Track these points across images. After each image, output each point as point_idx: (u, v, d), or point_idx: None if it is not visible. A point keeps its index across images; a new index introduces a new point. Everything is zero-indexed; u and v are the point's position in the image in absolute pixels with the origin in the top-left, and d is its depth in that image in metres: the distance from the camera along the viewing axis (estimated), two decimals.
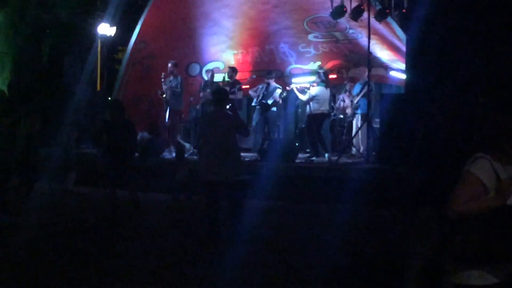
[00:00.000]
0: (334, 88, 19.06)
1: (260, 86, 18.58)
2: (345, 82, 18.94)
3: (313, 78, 18.26)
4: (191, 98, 19.87)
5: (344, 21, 19.08)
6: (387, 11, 17.37)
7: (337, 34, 20.81)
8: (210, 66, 21.59)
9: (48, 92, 23.74)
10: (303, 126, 18.86)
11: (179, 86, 18.54)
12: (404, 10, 17.12)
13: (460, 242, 4.83)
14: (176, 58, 19.65)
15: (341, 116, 18.55)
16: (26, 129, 13.39)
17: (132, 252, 10.05)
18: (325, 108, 17.28)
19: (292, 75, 21.32)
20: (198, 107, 19.52)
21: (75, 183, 16.85)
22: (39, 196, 14.65)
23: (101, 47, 26.85)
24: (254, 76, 21.16)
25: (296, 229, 12.13)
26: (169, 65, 18.63)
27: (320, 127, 17.44)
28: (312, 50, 21.43)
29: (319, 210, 13.83)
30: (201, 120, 12.46)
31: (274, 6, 20.82)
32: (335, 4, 17.37)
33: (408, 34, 16.06)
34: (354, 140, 17.97)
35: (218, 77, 20.05)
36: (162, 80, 18.67)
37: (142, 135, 18.15)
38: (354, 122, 18.23)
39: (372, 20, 16.93)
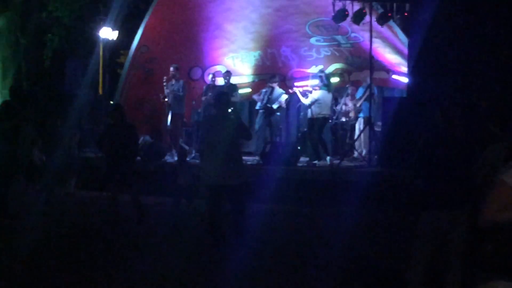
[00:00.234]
0: (336, 91, 19.06)
1: (264, 90, 18.55)
2: (347, 85, 18.94)
3: (315, 81, 18.24)
4: (193, 102, 19.86)
5: (346, 25, 19.09)
6: (389, 14, 17.37)
7: (339, 37, 20.83)
8: (212, 70, 21.57)
9: (50, 96, 23.77)
10: (305, 129, 18.84)
11: (181, 90, 18.52)
12: (406, 14, 17.13)
13: (490, 252, 4.79)
14: (178, 62, 19.63)
15: (343, 120, 18.55)
16: (28, 132, 13.40)
17: (134, 256, 10.04)
18: (326, 112, 17.24)
19: (294, 79, 21.30)
20: (200, 110, 19.51)
21: (77, 187, 16.86)
22: (39, 199, 14.67)
23: (103, 51, 26.91)
24: (256, 80, 21.18)
25: (299, 233, 12.13)
26: (171, 69, 18.60)
27: (321, 131, 17.41)
28: (314, 53, 21.43)
29: (321, 214, 13.83)
30: (203, 124, 12.43)
31: (276, 10, 20.82)
32: (337, 8, 17.36)
33: (410, 37, 16.08)
34: (356, 144, 17.97)
35: (220, 81, 20.05)
36: (164, 84, 18.64)
37: (144, 139, 18.14)
38: (356, 125, 18.24)
39: (374, 23, 16.94)
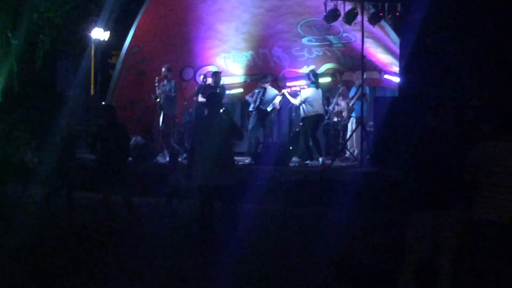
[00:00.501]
0: (328, 91, 19.05)
1: (257, 91, 18.53)
2: (339, 85, 18.94)
3: (303, 81, 18.28)
4: (185, 103, 19.85)
5: (337, 25, 19.09)
6: (381, 14, 17.36)
7: (331, 37, 20.83)
8: (204, 70, 21.54)
9: (42, 97, 23.72)
10: (297, 129, 18.84)
11: (173, 91, 18.50)
12: (397, 14, 17.12)
13: None
14: (170, 62, 19.61)
15: (335, 120, 18.55)
16: (21, 134, 13.37)
17: (127, 256, 10.04)
18: (319, 109, 17.13)
19: (286, 79, 21.30)
20: (191, 111, 19.50)
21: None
22: (32, 201, 14.64)
23: (95, 52, 26.87)
24: (248, 80, 21.17)
25: (290, 232, 12.13)
26: (163, 69, 18.59)
27: (315, 129, 17.36)
28: (306, 53, 21.43)
29: (313, 214, 13.82)
30: (195, 124, 12.42)
31: (268, 10, 20.80)
32: (328, 8, 17.35)
33: (402, 37, 16.08)
34: (348, 143, 17.97)
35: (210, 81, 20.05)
36: (156, 84, 18.63)
37: (135, 139, 18.10)
38: (349, 125, 18.24)
39: (366, 23, 16.94)
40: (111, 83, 22.15)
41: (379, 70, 19.94)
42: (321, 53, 21.28)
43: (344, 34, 20.36)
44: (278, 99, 18.27)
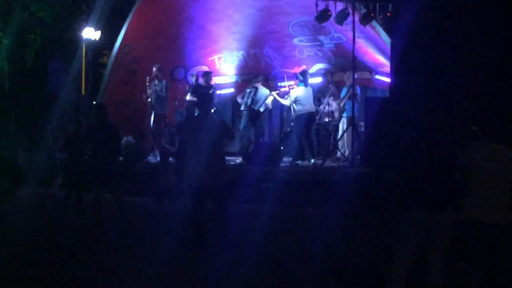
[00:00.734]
0: (319, 92, 19.05)
1: (248, 90, 18.53)
2: (330, 85, 18.94)
3: (291, 82, 18.32)
4: (176, 102, 19.85)
5: (329, 25, 19.08)
6: (372, 15, 17.38)
7: (322, 38, 20.83)
8: (195, 70, 21.53)
9: (33, 96, 23.69)
10: (288, 129, 18.85)
11: (164, 90, 18.50)
12: (389, 14, 17.14)
13: None
14: (161, 62, 19.60)
15: (327, 120, 18.57)
16: (13, 133, 13.37)
17: (117, 256, 10.03)
18: (309, 107, 17.09)
19: (277, 79, 21.30)
20: (182, 110, 19.51)
21: (60, 188, 16.79)
22: (22, 200, 14.62)
23: (86, 51, 26.81)
24: (239, 80, 21.17)
25: (281, 233, 12.15)
26: (154, 69, 18.58)
27: (309, 128, 17.34)
28: (297, 53, 21.45)
29: (304, 214, 13.85)
30: (186, 124, 12.40)
31: (259, 10, 20.79)
32: (320, 8, 17.34)
33: (393, 38, 16.09)
34: (340, 144, 17.98)
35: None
36: (147, 84, 18.62)
37: (126, 139, 18.08)
38: (340, 125, 18.25)
39: (357, 24, 16.95)
40: (102, 82, 22.13)
41: (370, 70, 19.96)
42: (312, 53, 21.30)
43: (335, 34, 20.37)
44: (270, 99, 18.28)
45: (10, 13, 23.56)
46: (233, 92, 21.44)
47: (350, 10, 16.92)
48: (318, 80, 19.85)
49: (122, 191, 13.14)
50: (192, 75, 20.47)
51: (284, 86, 19.57)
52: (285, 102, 17.61)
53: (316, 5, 17.32)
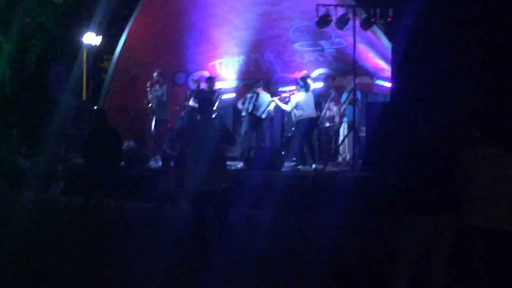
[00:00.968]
0: (320, 96, 19.05)
1: (249, 96, 18.52)
2: (331, 90, 18.93)
3: (292, 87, 18.34)
4: (177, 107, 19.87)
5: (329, 30, 19.06)
6: (372, 20, 17.37)
7: (323, 42, 20.83)
8: (196, 75, 21.55)
9: (34, 102, 23.69)
10: (289, 134, 18.84)
11: (164, 95, 18.54)
12: (389, 19, 17.13)
13: None
14: (162, 67, 19.63)
15: (327, 125, 18.56)
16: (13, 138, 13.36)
17: (118, 262, 10.03)
18: (310, 112, 17.00)
19: (278, 84, 21.31)
20: (183, 115, 19.53)
21: (62, 193, 16.82)
22: (24, 205, 14.62)
23: (87, 57, 26.80)
24: (240, 85, 21.18)
25: (282, 238, 12.14)
26: (155, 74, 18.62)
27: (310, 133, 17.31)
28: (298, 58, 21.46)
29: (305, 219, 13.84)
30: (187, 129, 12.40)
31: (260, 15, 20.80)
32: (320, 13, 17.35)
33: (394, 42, 16.09)
34: (341, 148, 17.97)
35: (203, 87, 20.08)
36: (148, 89, 18.66)
37: (128, 144, 18.10)
38: (341, 130, 18.23)
39: (358, 28, 16.95)
40: (103, 87, 22.15)
41: (371, 75, 19.94)
42: (313, 58, 21.30)
43: (336, 39, 20.37)
44: (272, 106, 18.28)
45: (11, 18, 23.56)
46: (234, 97, 21.45)
47: (350, 15, 16.92)
48: (319, 85, 19.84)
49: (123, 196, 13.16)
50: (193, 80, 20.47)
51: (285, 91, 19.58)
52: (286, 107, 17.60)
53: (317, 10, 17.31)
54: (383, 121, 15.15)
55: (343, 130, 18.17)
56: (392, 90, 16.16)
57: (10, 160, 14.59)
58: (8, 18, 23.57)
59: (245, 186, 14.21)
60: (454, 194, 6.78)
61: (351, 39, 16.88)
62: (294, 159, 17.84)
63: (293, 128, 17.84)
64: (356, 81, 16.94)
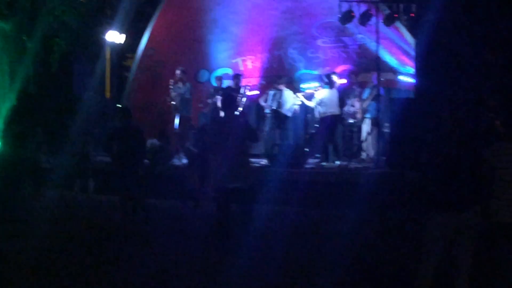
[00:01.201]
0: (344, 93, 19.02)
1: (272, 93, 18.51)
2: (354, 87, 18.88)
3: (316, 83, 18.34)
4: (200, 105, 19.89)
5: (352, 26, 19.03)
6: (396, 15, 17.34)
7: (346, 39, 20.82)
8: (219, 72, 21.54)
9: (58, 100, 23.80)
10: (313, 131, 18.82)
11: (188, 93, 18.57)
12: (412, 15, 17.07)
13: None
14: (184, 64, 19.67)
15: (351, 121, 18.51)
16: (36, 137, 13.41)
17: (142, 259, 10.06)
18: (334, 109, 17.04)
19: (301, 81, 21.28)
20: (206, 112, 19.55)
21: (95, 191, 16.94)
22: (47, 204, 14.69)
23: (110, 55, 26.90)
24: (263, 82, 21.17)
25: (306, 234, 12.13)
26: (177, 71, 18.64)
27: (333, 130, 17.27)
28: (321, 55, 21.43)
29: (329, 215, 13.80)
30: (211, 127, 12.38)
31: (283, 12, 20.82)
32: (343, 9, 17.32)
33: (417, 38, 16.02)
34: (364, 145, 17.92)
35: (227, 83, 20.08)
36: (171, 86, 18.67)
37: (151, 142, 18.13)
38: (363, 126, 18.17)
39: (381, 24, 16.91)
40: (127, 85, 22.25)
41: (394, 71, 19.88)
42: (336, 55, 21.28)
43: (359, 36, 20.34)
44: (298, 104, 18.32)
45: (35, 18, 23.69)
46: (257, 94, 21.47)
47: (373, 11, 16.88)
48: (342, 81, 19.81)
49: (147, 193, 13.19)
50: (216, 77, 20.47)
51: (309, 88, 19.57)
52: (311, 103, 17.61)
53: (340, 6, 17.29)
54: (407, 117, 15.08)
55: (365, 126, 18.11)
56: (416, 85, 16.10)
57: (32, 158, 14.65)
58: (32, 17, 23.71)
59: (269, 183, 14.19)
60: (477, 190, 6.73)
61: (374, 35, 16.83)
62: (318, 155, 17.85)
63: (317, 125, 17.83)
64: (377, 76, 16.89)
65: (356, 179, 15.01)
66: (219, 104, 17.30)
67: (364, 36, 20.11)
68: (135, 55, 22.63)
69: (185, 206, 14.95)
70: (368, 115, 17.89)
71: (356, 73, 19.92)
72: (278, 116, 18.22)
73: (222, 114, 11.07)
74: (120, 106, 21.81)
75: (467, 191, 6.68)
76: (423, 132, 8.23)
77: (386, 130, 17.03)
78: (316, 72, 20.89)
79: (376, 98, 16.84)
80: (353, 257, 9.99)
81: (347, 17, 17.45)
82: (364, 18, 17.20)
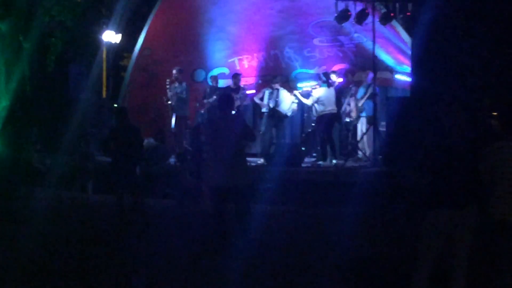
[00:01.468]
0: (340, 92, 19.02)
1: (268, 92, 18.53)
2: (351, 86, 18.88)
3: (314, 82, 18.34)
4: (197, 104, 19.88)
5: (349, 25, 19.05)
6: (392, 14, 17.36)
7: (342, 38, 20.82)
8: (215, 72, 21.52)
9: (54, 100, 23.78)
10: (309, 130, 18.83)
11: (184, 92, 18.56)
12: (408, 14, 17.09)
13: None
14: (181, 64, 19.68)
15: (347, 120, 18.52)
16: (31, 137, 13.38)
17: (138, 258, 10.05)
18: (331, 108, 17.07)
19: (298, 80, 21.28)
20: (203, 112, 19.54)
21: (94, 191, 16.94)
22: (45, 204, 14.66)
23: (107, 54, 26.89)
24: (260, 81, 21.16)
25: (302, 233, 12.13)
26: (174, 71, 18.64)
27: (330, 128, 17.28)
28: (317, 54, 21.42)
29: (325, 214, 13.81)
30: (207, 126, 12.38)
31: (279, 11, 20.83)
32: (339, 8, 17.34)
33: (413, 37, 16.04)
34: (360, 144, 17.93)
35: (223, 83, 20.10)
36: (168, 86, 18.66)
37: (148, 141, 18.13)
38: (358, 125, 18.18)
39: (377, 23, 16.92)
40: (123, 85, 22.23)
41: (391, 70, 19.89)
42: (332, 54, 21.26)
43: (355, 34, 20.35)
44: (295, 103, 18.34)
45: (31, 17, 23.69)
46: (254, 93, 21.46)
47: (369, 10, 16.91)
48: (338, 80, 19.82)
49: (143, 193, 13.18)
50: (212, 76, 20.44)
51: (307, 86, 19.58)
52: (308, 101, 17.62)
53: (336, 5, 17.31)
54: (403, 115, 15.10)
55: (361, 125, 18.12)
56: (412, 84, 16.11)
57: (28, 158, 14.61)
58: (27, 17, 23.70)
59: (266, 182, 14.20)
60: (474, 187, 6.74)
61: (370, 34, 16.85)
62: (315, 154, 17.87)
63: (314, 124, 17.84)
64: (374, 75, 16.89)
65: (353, 178, 15.04)
66: (214, 103, 17.32)
67: (360, 35, 20.11)
68: (132, 55, 22.61)
69: (182, 205, 14.93)
70: (363, 114, 17.90)
71: (353, 72, 19.92)
72: (275, 115, 18.22)
73: (218, 113, 11.04)
74: (117, 105, 21.81)
75: (464, 189, 6.68)
76: (419, 131, 8.25)
77: (383, 129, 17.05)
78: (312, 71, 20.91)
79: (372, 97, 16.85)
80: (350, 255, 10.00)
81: (343, 16, 17.48)
82: (361, 17, 17.23)
